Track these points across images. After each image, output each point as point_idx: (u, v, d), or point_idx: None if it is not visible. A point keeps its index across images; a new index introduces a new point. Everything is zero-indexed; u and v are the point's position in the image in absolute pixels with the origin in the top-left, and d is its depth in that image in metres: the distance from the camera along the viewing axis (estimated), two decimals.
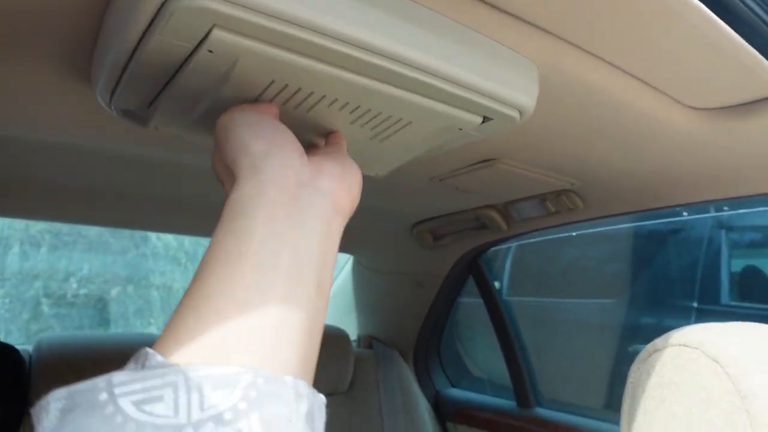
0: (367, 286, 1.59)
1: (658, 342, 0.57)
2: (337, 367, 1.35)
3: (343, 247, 1.59)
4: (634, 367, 0.59)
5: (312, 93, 0.44)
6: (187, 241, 3.74)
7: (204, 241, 4.01)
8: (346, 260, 1.65)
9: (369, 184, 1.00)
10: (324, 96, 0.45)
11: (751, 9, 0.48)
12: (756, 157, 0.73)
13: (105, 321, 3.15)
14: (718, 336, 0.53)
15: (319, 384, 1.20)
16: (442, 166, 0.83)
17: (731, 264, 2.46)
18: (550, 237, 3.26)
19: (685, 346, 0.54)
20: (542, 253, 3.15)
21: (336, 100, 0.46)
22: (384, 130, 0.51)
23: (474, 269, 1.39)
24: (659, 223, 2.73)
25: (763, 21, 0.55)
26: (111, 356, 1.11)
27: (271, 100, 0.45)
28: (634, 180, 0.85)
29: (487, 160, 0.78)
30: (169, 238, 3.69)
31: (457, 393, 1.56)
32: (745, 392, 0.48)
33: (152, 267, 3.65)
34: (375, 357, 1.48)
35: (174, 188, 1.01)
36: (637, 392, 0.57)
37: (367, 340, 1.57)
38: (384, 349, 1.52)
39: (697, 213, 2.55)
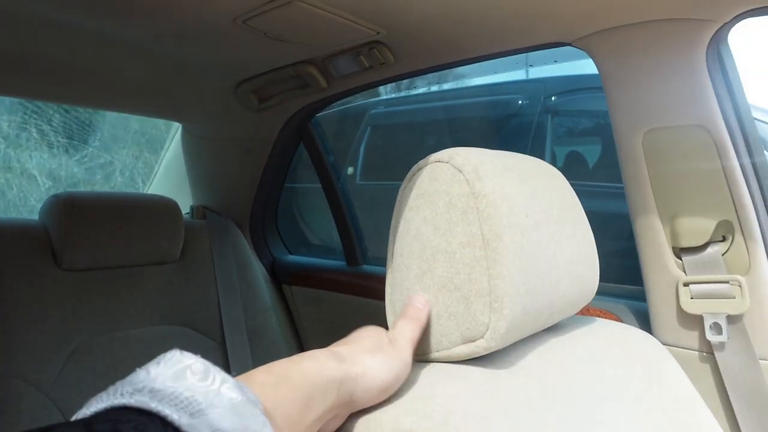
0: (197, 155, 1.54)
1: (421, 162, 0.62)
2: (167, 236, 1.31)
3: (169, 114, 1.50)
4: (401, 186, 0.64)
5: None
6: (6, 125, 3.29)
7: (27, 125, 3.53)
8: (176, 130, 1.56)
9: (181, 35, 0.93)
10: None
11: None
12: (542, 5, 0.79)
13: None
14: (467, 153, 0.59)
15: (148, 253, 1.17)
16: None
17: (555, 150, 2.72)
18: (402, 122, 3.36)
19: (439, 161, 0.60)
20: (395, 140, 3.25)
21: None
22: None
23: (304, 135, 1.40)
24: (497, 108, 2.91)
25: None
26: None
27: None
28: (437, 30, 0.88)
29: None
30: None
31: (292, 258, 1.62)
32: (477, 193, 0.55)
33: None
34: (208, 227, 1.47)
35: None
36: (401, 206, 0.63)
37: (201, 211, 1.54)
38: (218, 219, 1.50)
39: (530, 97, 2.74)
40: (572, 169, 2.64)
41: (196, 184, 1.57)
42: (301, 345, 1.55)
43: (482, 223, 0.54)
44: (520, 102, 2.84)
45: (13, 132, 3.39)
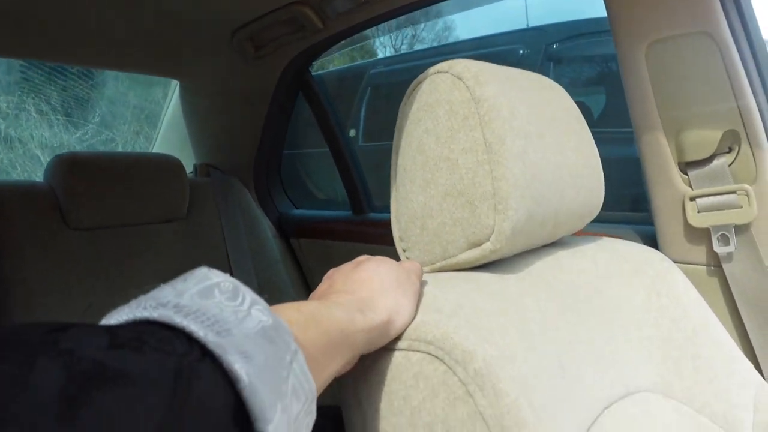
0: (197, 112, 1.53)
1: (420, 76, 0.62)
2: (173, 193, 1.32)
3: (166, 71, 1.48)
4: (402, 102, 0.64)
5: None
6: (4, 105, 3.28)
7: (26, 104, 3.52)
8: (174, 87, 1.55)
9: None
10: None
11: None
12: None
13: None
14: (466, 62, 0.58)
15: (155, 211, 1.17)
16: None
17: None
18: (402, 80, 3.31)
19: (439, 72, 0.59)
20: (396, 99, 3.22)
21: None
22: None
23: (303, 84, 1.38)
24: (498, 60, 2.86)
25: None
26: None
27: None
28: None
29: None
30: None
31: (299, 212, 1.62)
32: (477, 98, 0.55)
33: None
34: (212, 184, 1.47)
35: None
36: (402, 121, 0.62)
37: (204, 169, 1.54)
38: (222, 176, 1.51)
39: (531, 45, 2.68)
40: None
41: (197, 142, 1.56)
42: None
43: (484, 128, 0.54)
44: (521, 52, 2.79)
45: (12, 112, 3.38)
